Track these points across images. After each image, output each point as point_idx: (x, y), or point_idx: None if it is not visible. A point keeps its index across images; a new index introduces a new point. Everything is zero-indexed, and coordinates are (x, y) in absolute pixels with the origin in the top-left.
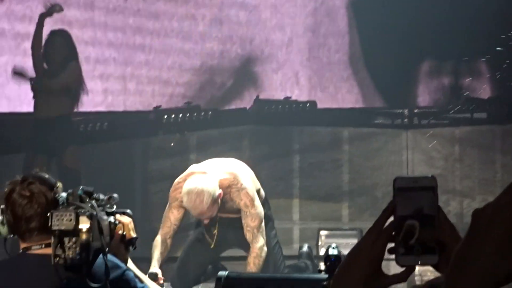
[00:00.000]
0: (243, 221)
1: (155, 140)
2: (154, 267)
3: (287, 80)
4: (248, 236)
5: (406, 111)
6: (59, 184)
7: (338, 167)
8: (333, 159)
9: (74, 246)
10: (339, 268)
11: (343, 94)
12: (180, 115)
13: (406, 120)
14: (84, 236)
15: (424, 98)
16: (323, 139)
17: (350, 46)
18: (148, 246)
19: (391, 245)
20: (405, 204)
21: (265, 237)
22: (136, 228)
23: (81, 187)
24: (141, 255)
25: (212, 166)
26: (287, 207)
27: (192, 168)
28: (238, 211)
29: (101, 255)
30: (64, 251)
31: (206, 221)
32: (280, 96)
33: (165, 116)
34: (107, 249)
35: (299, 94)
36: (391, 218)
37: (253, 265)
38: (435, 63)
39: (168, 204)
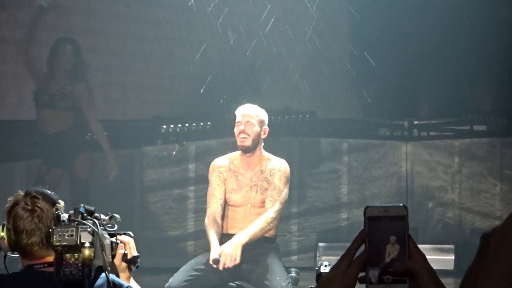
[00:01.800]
0: (268, 192)
1: (154, 150)
2: (215, 249)
3: (287, 90)
4: (268, 204)
5: (406, 123)
6: (61, 202)
7: (337, 178)
8: (333, 170)
9: (76, 262)
10: None
11: (343, 105)
12: (179, 125)
13: (405, 132)
14: (86, 252)
15: (424, 110)
16: (323, 150)
17: (351, 57)
18: (148, 256)
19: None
20: (376, 233)
21: (279, 214)
22: (136, 243)
23: (82, 205)
24: (142, 265)
25: None
26: (286, 218)
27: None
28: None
29: (103, 274)
30: (66, 267)
31: (241, 129)
32: (280, 106)
33: (164, 126)
34: (108, 268)
35: (299, 105)
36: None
37: (259, 228)
38: (435, 75)
39: (208, 187)
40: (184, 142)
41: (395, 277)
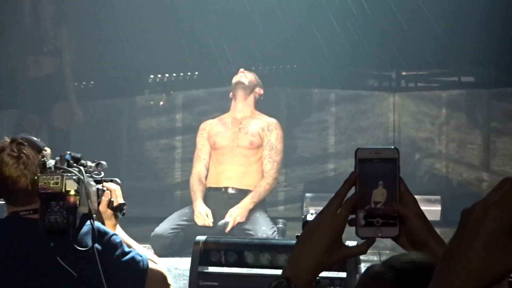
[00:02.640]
0: (266, 152)
1: (141, 99)
2: (201, 205)
3: (275, 40)
4: (267, 166)
5: (393, 74)
6: (47, 149)
7: (325, 129)
8: (320, 121)
9: (61, 209)
10: (300, 237)
11: (331, 55)
12: (166, 74)
13: (393, 82)
14: (71, 200)
15: (412, 61)
16: (311, 101)
17: (340, 6)
18: (135, 206)
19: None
20: (367, 175)
21: (279, 173)
22: (123, 192)
23: (68, 152)
24: (129, 215)
25: None
26: None
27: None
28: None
29: (88, 221)
30: (51, 214)
31: (239, 79)
32: (267, 56)
33: (151, 75)
34: (94, 216)
35: (287, 54)
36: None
37: (263, 189)
38: (423, 26)
39: (195, 150)
40: (171, 92)
41: (385, 221)
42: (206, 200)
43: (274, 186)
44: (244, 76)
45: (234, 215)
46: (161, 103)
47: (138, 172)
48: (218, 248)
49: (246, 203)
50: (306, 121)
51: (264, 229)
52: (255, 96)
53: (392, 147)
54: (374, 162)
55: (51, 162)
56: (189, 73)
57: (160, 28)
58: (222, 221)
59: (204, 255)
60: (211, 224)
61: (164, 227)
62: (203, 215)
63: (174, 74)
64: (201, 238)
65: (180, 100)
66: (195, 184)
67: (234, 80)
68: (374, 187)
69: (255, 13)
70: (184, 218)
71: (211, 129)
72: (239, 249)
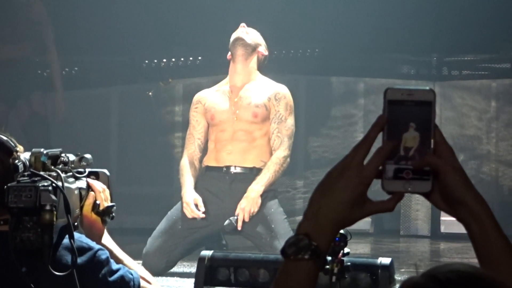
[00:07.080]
0: (274, 126)
1: (133, 89)
2: (190, 193)
3: (293, 21)
4: (276, 141)
5: (434, 59)
6: (20, 148)
7: (352, 124)
8: (346, 115)
9: (35, 226)
10: (319, 187)
11: (359, 38)
12: (164, 60)
13: (433, 70)
14: (46, 216)
15: (455, 44)
16: (334, 91)
17: None
18: (126, 215)
19: None
20: (397, 120)
21: (290, 151)
22: (112, 193)
23: (45, 151)
24: (115, 226)
25: None
26: (290, 172)
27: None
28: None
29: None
30: (23, 231)
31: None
32: (284, 39)
33: (146, 60)
34: (76, 223)
35: (307, 37)
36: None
37: (272, 171)
38: (469, 1)
39: (188, 127)
40: (170, 80)
41: (416, 174)
42: (203, 182)
43: (285, 167)
44: (245, 32)
45: (243, 206)
46: (150, 93)
47: (130, 175)
48: (227, 265)
49: (256, 189)
50: (329, 116)
51: (282, 232)
52: (258, 56)
53: (428, 87)
54: (405, 104)
55: (24, 158)
56: (191, 58)
57: (157, 4)
58: (228, 220)
59: (210, 274)
60: (201, 215)
61: (156, 244)
62: (190, 206)
63: (173, 59)
64: (206, 253)
65: (180, 89)
66: (185, 166)
67: (233, 36)
68: (405, 130)
69: None
70: (179, 226)
71: (207, 101)
72: (251, 265)
